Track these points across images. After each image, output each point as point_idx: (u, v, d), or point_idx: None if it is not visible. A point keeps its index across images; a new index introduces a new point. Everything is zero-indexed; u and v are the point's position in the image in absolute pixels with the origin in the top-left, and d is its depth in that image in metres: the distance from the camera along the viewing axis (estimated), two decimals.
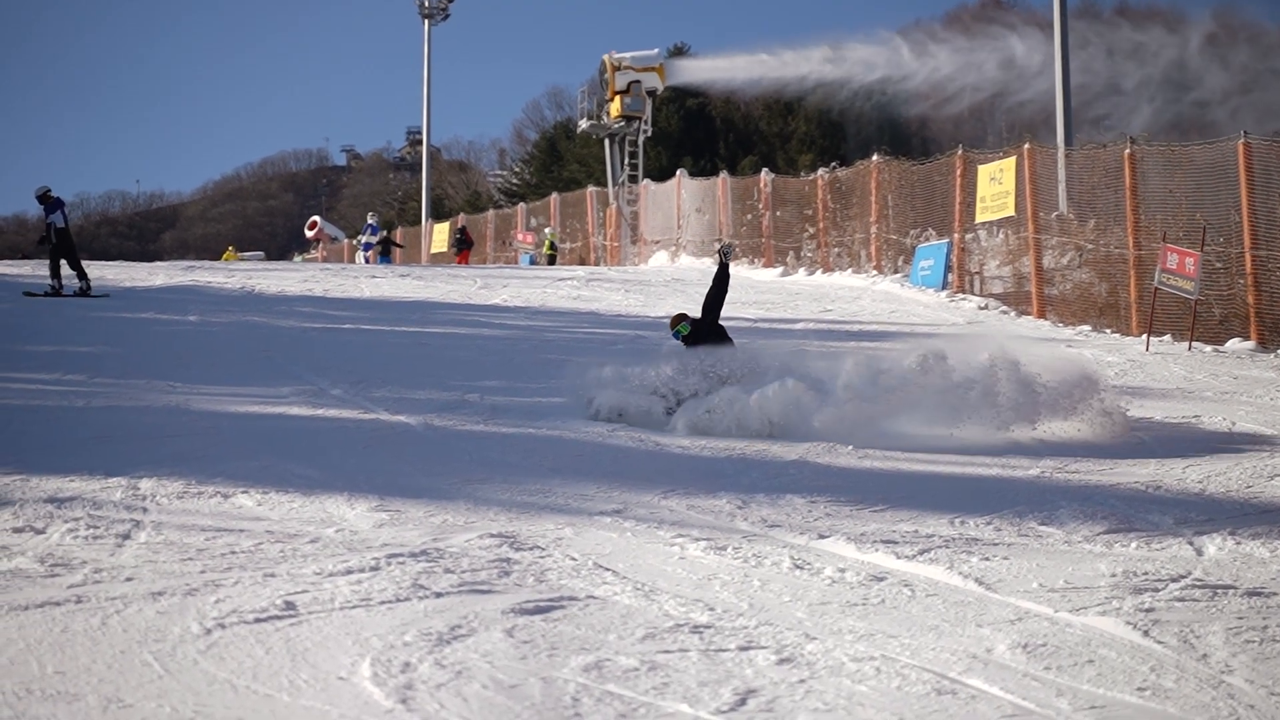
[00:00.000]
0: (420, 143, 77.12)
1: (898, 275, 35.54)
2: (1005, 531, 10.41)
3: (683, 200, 47.17)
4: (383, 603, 7.69)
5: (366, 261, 56.85)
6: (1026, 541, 10.12)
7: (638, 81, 56.27)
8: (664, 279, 37.47)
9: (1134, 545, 10.06)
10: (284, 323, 24.75)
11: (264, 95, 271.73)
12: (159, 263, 43.94)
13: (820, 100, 64.45)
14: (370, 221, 58.54)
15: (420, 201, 70.50)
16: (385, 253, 53.92)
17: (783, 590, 8.43)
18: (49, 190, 28.05)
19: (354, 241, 64.66)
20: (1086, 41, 52.09)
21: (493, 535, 9.56)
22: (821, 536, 10.03)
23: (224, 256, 65.07)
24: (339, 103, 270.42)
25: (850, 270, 37.53)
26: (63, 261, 27.87)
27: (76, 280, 27.77)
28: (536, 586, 8.23)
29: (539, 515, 10.41)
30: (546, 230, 53.48)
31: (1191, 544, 10.11)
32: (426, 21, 66.32)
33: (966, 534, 10.30)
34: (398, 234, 63.50)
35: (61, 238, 27.83)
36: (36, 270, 31.85)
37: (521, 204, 61.05)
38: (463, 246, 55.34)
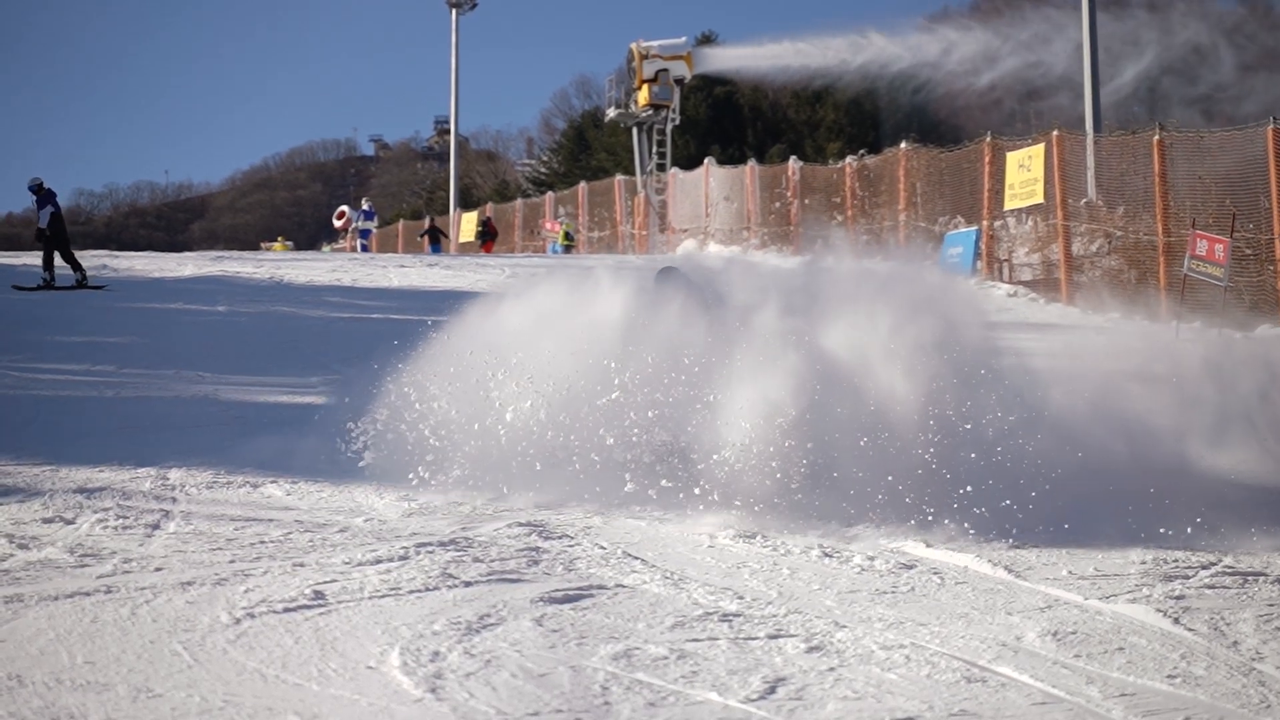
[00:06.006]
0: (448, 132, 76.95)
1: (926, 263, 35.46)
2: (1034, 518, 10.36)
3: (711, 189, 47.08)
4: (412, 592, 7.70)
5: (364, 249, 56.63)
6: (1056, 529, 10.07)
7: (665, 70, 56.14)
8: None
9: (1164, 532, 10.02)
10: (312, 313, 24.79)
11: (292, 85, 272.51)
12: (188, 253, 43.95)
13: (854, 87, 64.09)
14: (364, 207, 58.24)
15: (449, 191, 70.47)
16: (435, 241, 53.82)
17: (812, 578, 8.41)
18: (42, 183, 27.57)
19: (350, 229, 64.43)
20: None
21: (521, 524, 9.57)
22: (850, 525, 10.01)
23: (276, 246, 65.38)
24: (367, 93, 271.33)
25: (879, 258, 37.38)
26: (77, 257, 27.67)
27: (72, 272, 27.26)
28: (565, 575, 8.23)
29: (567, 504, 10.41)
30: (562, 219, 53.45)
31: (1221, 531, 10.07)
32: (454, 10, 66.20)
33: (995, 521, 10.25)
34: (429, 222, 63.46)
35: (53, 230, 27.34)
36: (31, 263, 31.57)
37: (550, 193, 61.00)
38: (487, 237, 55.31)
